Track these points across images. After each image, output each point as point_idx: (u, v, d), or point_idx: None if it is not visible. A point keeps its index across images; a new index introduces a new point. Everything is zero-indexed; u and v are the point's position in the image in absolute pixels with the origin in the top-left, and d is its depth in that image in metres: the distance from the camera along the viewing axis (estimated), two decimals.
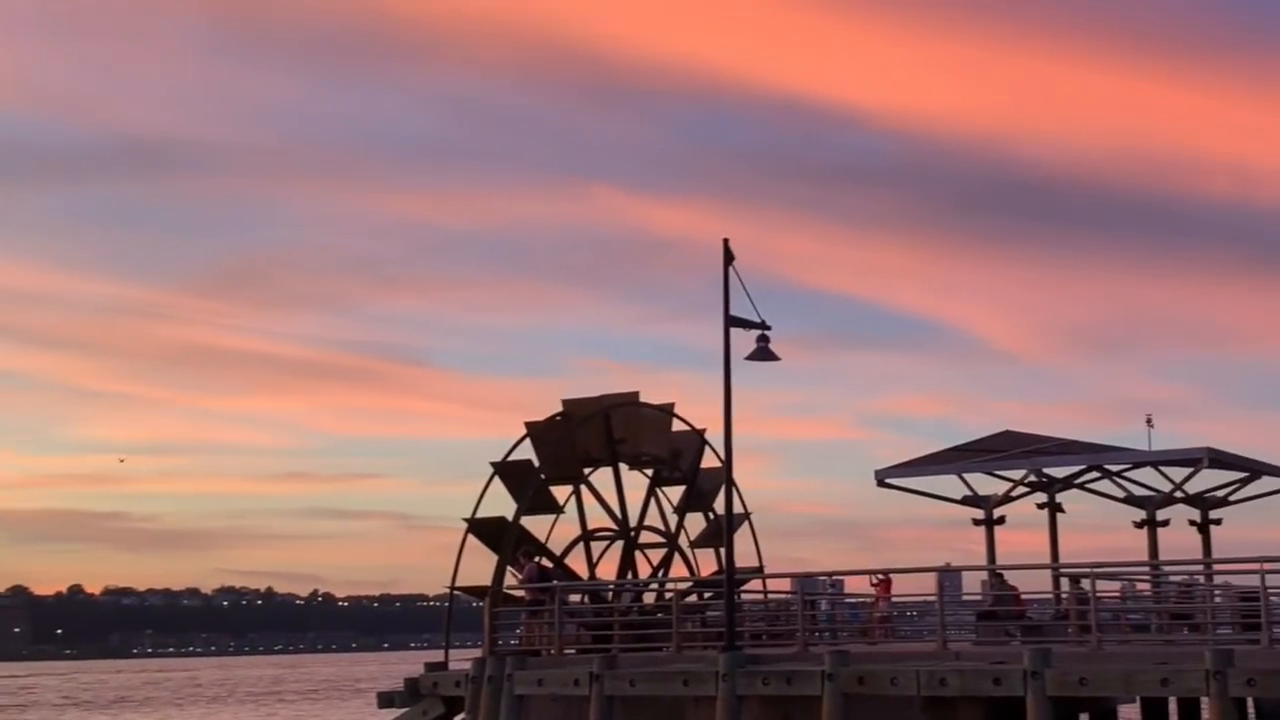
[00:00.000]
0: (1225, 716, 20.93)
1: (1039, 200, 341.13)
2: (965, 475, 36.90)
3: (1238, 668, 21.14)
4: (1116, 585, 32.53)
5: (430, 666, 31.12)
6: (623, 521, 34.58)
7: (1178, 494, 36.36)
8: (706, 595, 34.19)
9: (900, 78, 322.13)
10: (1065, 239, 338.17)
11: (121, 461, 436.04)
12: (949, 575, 30.92)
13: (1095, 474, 36.81)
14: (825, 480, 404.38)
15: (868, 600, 33.72)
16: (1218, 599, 29.62)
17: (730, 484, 27.59)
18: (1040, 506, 37.48)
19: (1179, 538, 37.44)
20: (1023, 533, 39.38)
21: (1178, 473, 35.81)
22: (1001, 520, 37.07)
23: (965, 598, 33.42)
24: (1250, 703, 30.56)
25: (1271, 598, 30.07)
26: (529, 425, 33.91)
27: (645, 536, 35.22)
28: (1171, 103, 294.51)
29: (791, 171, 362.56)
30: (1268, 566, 25.04)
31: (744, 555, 36.46)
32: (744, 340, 26.37)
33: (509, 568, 31.76)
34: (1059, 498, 37.37)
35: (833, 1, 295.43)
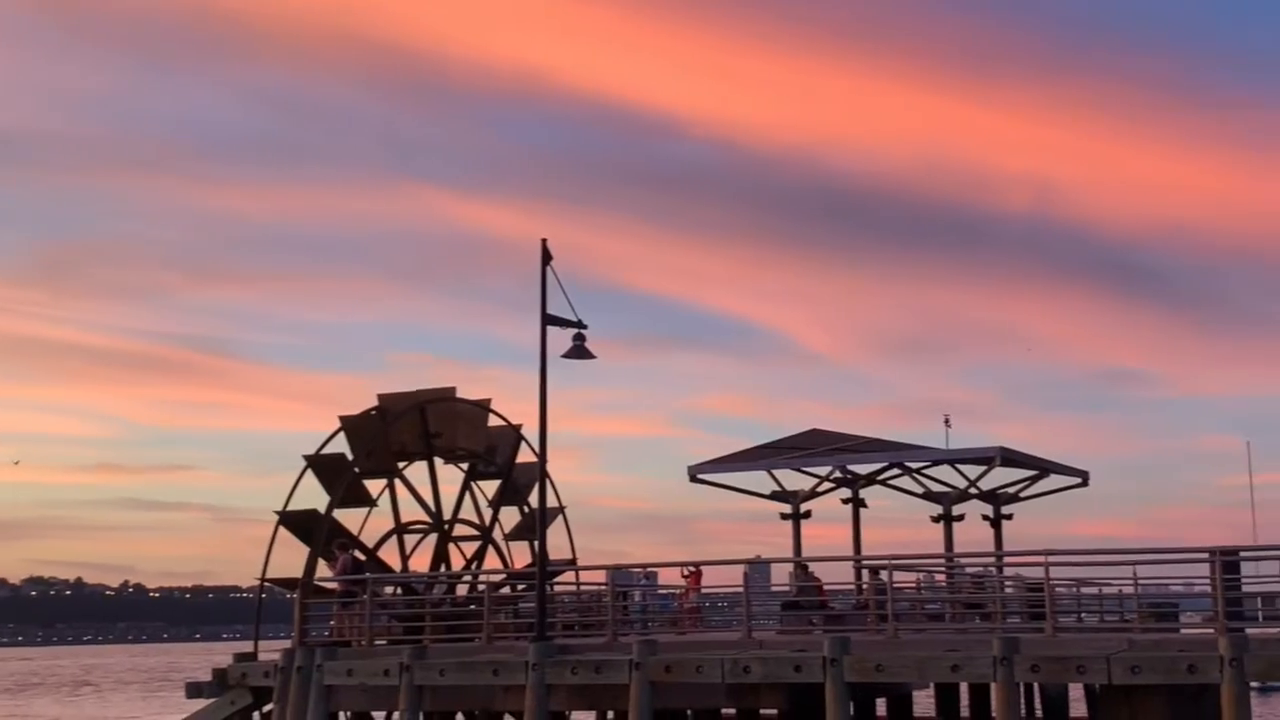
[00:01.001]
0: (1010, 701, 21.66)
1: (850, 211, 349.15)
2: (774, 471, 37.65)
3: (1023, 655, 21.88)
4: (914, 576, 33.39)
5: (239, 657, 30.51)
6: (436, 515, 34.36)
7: (972, 490, 37.64)
8: (519, 587, 34.14)
9: (720, 90, 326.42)
10: (873, 248, 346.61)
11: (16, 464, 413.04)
12: (759, 567, 31.37)
13: (896, 471, 37.83)
14: (641, 476, 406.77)
15: (679, 591, 34.08)
16: (1008, 590, 30.58)
17: (544, 478, 27.60)
18: (845, 501, 38.41)
19: (973, 531, 38.80)
20: (828, 526, 40.30)
21: (973, 470, 37.07)
22: (808, 514, 37.90)
23: (774, 589, 33.93)
24: (1036, 688, 32.00)
25: (1057, 589, 31.32)
26: (343, 419, 33.50)
27: (459, 529, 35.10)
28: (974, 120, 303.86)
29: (613, 176, 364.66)
30: (1052, 559, 26.01)
31: (558, 548, 36.59)
32: (562, 338, 26.49)
33: (325, 560, 31.42)
34: (862, 493, 38.32)
35: (659, 13, 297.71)
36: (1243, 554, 25.82)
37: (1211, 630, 23.47)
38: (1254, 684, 22.32)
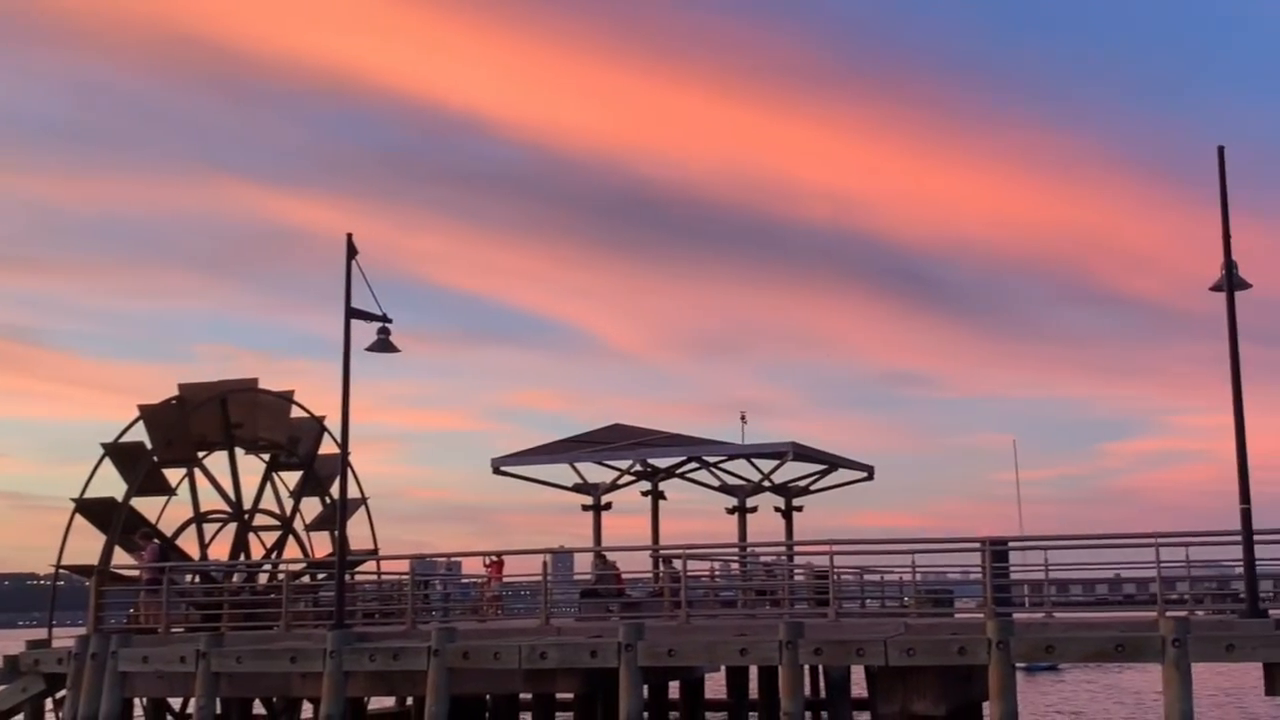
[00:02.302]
0: (794, 682, 22.18)
1: (656, 215, 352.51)
2: (576, 465, 37.81)
3: (807, 639, 22.42)
4: (708, 565, 33.97)
5: (32, 644, 29.44)
6: (236, 504, 33.76)
7: (766, 483, 38.40)
8: (320, 576, 33.73)
9: (530, 92, 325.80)
10: (678, 251, 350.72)
11: None
12: (562, 557, 31.55)
13: (694, 465, 38.35)
14: (447, 468, 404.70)
15: (481, 581, 34.05)
16: (798, 577, 31.29)
17: (346, 469, 27.35)
18: (644, 494, 38.82)
19: (766, 522, 39.65)
20: (628, 518, 40.65)
21: (767, 464, 37.78)
22: (608, 506, 38.15)
23: (576, 578, 34.14)
24: (820, 669, 32.86)
25: (843, 576, 32.19)
26: (142, 408, 32.71)
27: (260, 519, 34.54)
28: (776, 133, 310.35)
29: (423, 173, 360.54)
30: (837, 548, 26.82)
31: (359, 538, 36.35)
32: (367, 332, 26.32)
33: (125, 549, 30.70)
34: (661, 486, 38.80)
35: (471, 15, 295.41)
36: (1010, 544, 26.90)
37: (981, 615, 24.39)
38: (1020, 665, 23.23)
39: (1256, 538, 22.17)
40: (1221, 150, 22.74)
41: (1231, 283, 22.50)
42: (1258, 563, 22.53)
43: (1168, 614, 21.79)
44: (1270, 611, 22.43)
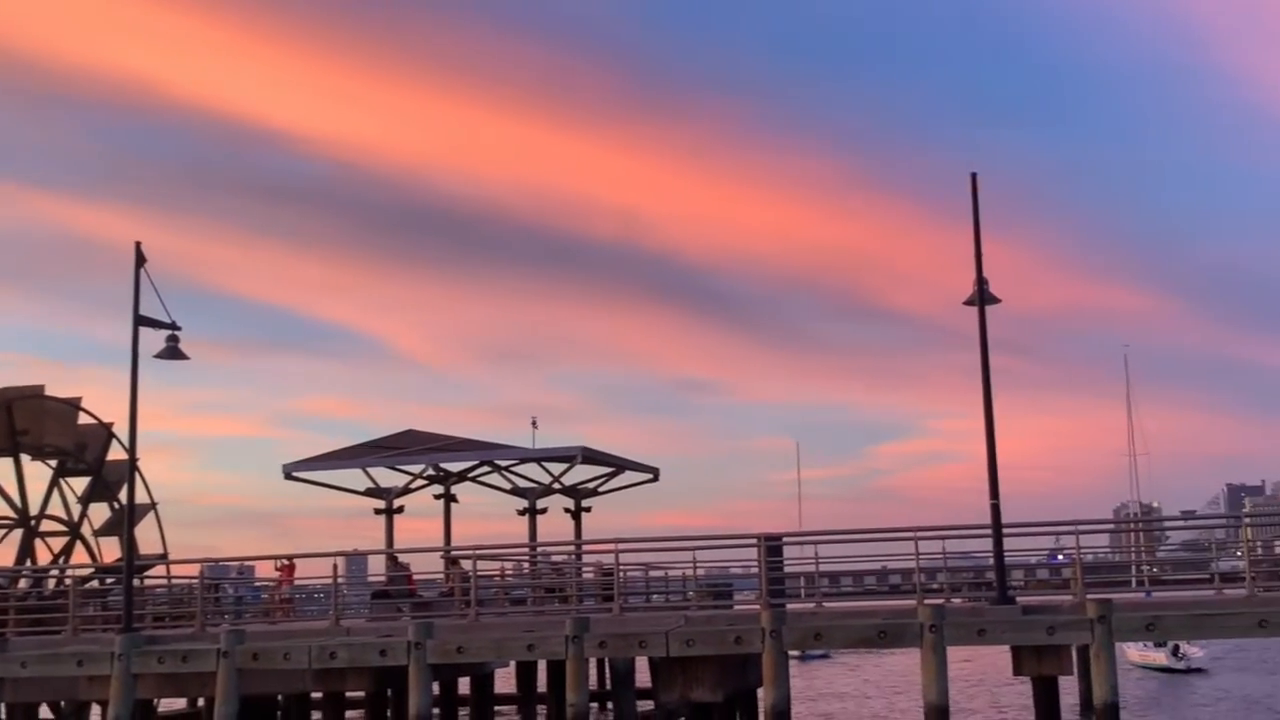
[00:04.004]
0: (579, 674, 22.43)
1: (452, 229, 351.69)
2: (369, 469, 37.43)
3: (592, 633, 22.72)
4: (498, 565, 34.00)
5: None
6: (22, 510, 32.51)
7: (556, 485, 38.67)
8: (109, 581, 32.66)
9: (331, 109, 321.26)
10: (473, 264, 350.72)
11: None
12: (356, 560, 31.18)
13: (486, 468, 38.40)
14: (241, 474, 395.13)
15: (272, 584, 33.40)
16: (587, 575, 31.56)
17: (134, 474, 26.66)
18: (437, 497, 38.65)
19: (556, 523, 39.98)
20: (421, 520, 40.44)
21: (557, 467, 38.05)
22: (401, 510, 37.85)
23: (370, 580, 33.75)
24: (606, 662, 33.19)
25: (631, 573, 32.63)
26: None
27: (46, 525, 33.27)
28: (569, 150, 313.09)
29: (220, 185, 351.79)
30: (622, 546, 27.19)
31: (149, 543, 35.28)
32: (158, 339, 25.71)
33: None
34: (454, 489, 38.67)
35: (274, 32, 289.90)
36: (785, 539, 27.64)
37: (757, 607, 25.02)
38: (793, 653, 23.92)
39: (1005, 531, 23.28)
40: (974, 177, 23.90)
41: (983, 298, 23.61)
42: (1006, 554, 23.66)
43: (926, 602, 22.71)
44: (1018, 599, 23.54)
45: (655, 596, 34.18)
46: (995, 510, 23.01)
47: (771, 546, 26.12)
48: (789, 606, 25.26)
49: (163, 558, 35.09)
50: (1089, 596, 22.35)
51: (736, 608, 28.68)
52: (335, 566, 26.65)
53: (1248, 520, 31.82)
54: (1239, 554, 26.72)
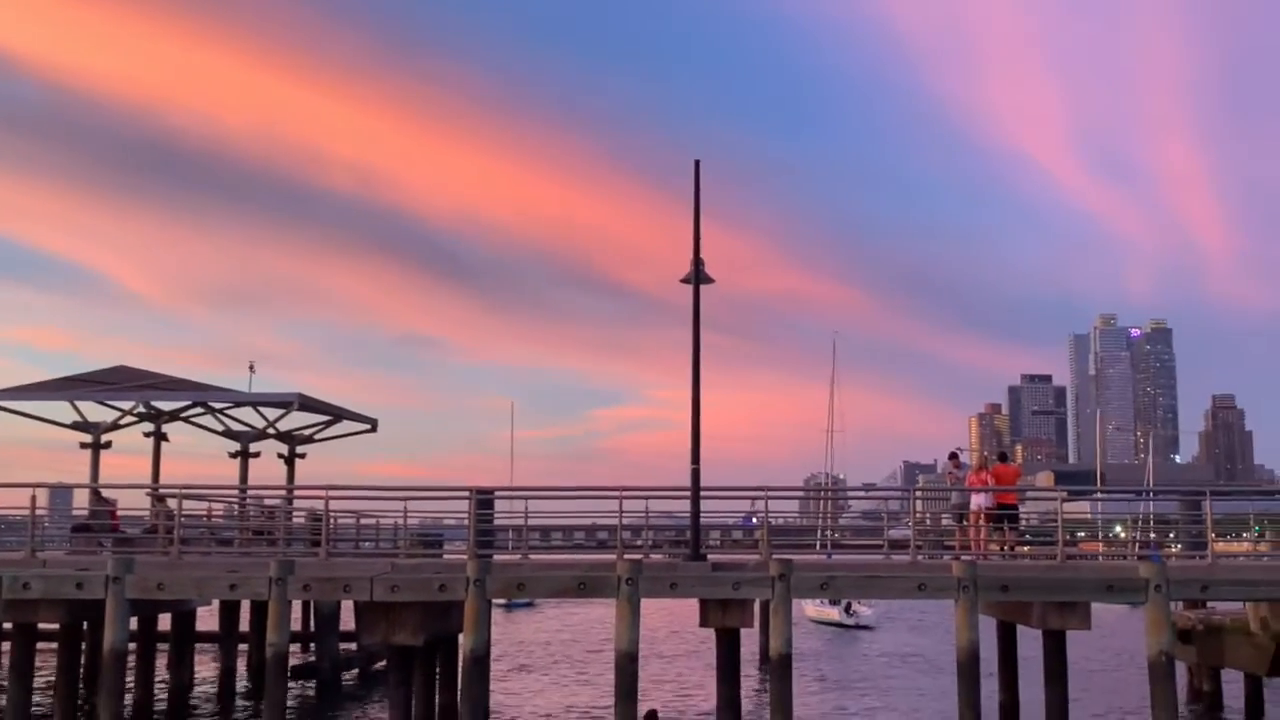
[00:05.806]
0: (281, 615, 22.03)
1: (181, 166, 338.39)
2: (77, 403, 35.64)
3: (297, 575, 22.37)
4: (205, 505, 33.06)
5: None
6: None
7: (270, 430, 37.75)
8: None
9: (57, 36, 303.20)
10: (202, 203, 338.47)
11: None
12: (60, 493, 29.72)
13: (200, 409, 37.11)
14: None
15: None
16: (299, 520, 30.99)
17: None
18: (147, 435, 37.18)
19: (269, 468, 39.10)
20: (130, 457, 38.86)
21: (272, 413, 37.15)
22: (108, 445, 36.20)
23: (74, 514, 32.17)
24: (312, 605, 32.67)
25: (341, 520, 32.19)
26: None
27: None
28: (309, 102, 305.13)
29: None
30: (333, 493, 26.89)
31: None
32: None
33: None
34: (165, 429, 37.29)
35: None
36: (497, 493, 27.84)
37: (465, 556, 25.10)
38: (500, 602, 24.11)
39: (703, 493, 24.05)
40: (697, 164, 24.46)
41: (698, 277, 24.24)
42: (703, 515, 24.48)
43: (626, 557, 23.26)
44: (711, 557, 24.36)
45: (366, 545, 33.83)
46: (695, 475, 23.70)
47: (483, 500, 26.28)
48: (497, 558, 25.49)
49: None
50: (774, 556, 23.32)
51: (446, 558, 28.63)
52: (34, 497, 25.35)
53: (918, 494, 33.74)
54: (908, 524, 28.38)
